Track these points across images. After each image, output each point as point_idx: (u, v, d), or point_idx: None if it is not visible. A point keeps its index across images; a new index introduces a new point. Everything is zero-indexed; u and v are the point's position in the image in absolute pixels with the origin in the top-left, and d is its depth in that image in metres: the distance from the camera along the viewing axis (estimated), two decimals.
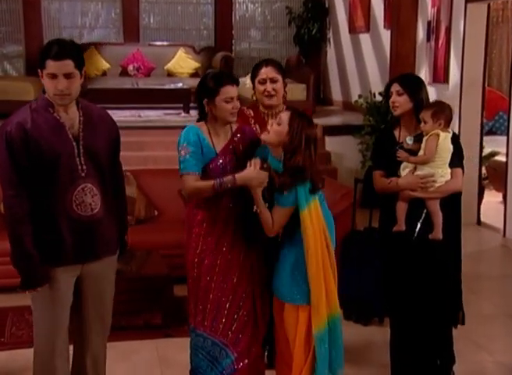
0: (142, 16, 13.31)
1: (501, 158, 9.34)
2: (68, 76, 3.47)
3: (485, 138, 9.19)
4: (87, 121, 3.63)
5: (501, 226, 8.17)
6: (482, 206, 8.99)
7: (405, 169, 4.33)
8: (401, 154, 4.26)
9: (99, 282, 3.83)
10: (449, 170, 4.28)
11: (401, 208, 4.33)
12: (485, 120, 9.66)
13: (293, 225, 3.95)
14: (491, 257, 7.81)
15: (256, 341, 4.18)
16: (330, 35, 12.97)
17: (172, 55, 12.25)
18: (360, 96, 9.89)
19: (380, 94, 9.59)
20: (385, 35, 10.42)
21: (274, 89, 4.43)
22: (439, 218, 4.28)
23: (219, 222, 4.04)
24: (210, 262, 4.04)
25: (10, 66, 13.25)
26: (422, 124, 4.24)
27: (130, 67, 11.90)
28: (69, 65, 3.46)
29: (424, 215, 4.31)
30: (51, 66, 3.44)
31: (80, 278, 3.77)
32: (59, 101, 3.53)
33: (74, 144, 3.57)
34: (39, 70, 3.51)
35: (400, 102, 4.30)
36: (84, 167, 3.59)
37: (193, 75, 11.96)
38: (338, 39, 12.56)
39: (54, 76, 3.46)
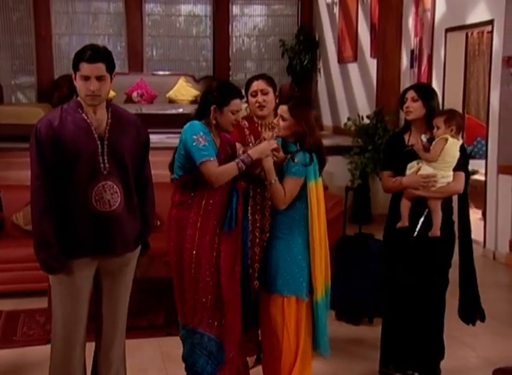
0: (145, 49, 13.38)
1: (480, 177, 9.36)
2: (100, 78, 3.50)
3: None
4: (114, 123, 3.64)
5: (481, 239, 8.15)
6: None
7: (411, 169, 4.37)
8: (418, 145, 4.29)
9: (115, 280, 3.79)
10: (451, 173, 4.30)
11: (405, 206, 4.38)
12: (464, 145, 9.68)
13: (285, 218, 3.96)
14: None
15: (240, 329, 4.13)
16: (320, 65, 13.04)
17: (174, 83, 12.29)
18: (349, 119, 9.91)
19: (368, 117, 9.62)
20: (372, 63, 10.48)
21: (264, 100, 4.45)
22: (438, 217, 4.30)
23: (211, 220, 3.93)
24: (207, 262, 3.94)
25: (23, 96, 13.28)
26: (435, 130, 4.29)
27: (134, 94, 11.94)
28: (101, 68, 3.49)
29: (425, 213, 4.33)
30: (85, 68, 3.48)
31: (97, 275, 3.75)
32: (90, 101, 3.55)
33: (98, 142, 3.57)
34: (73, 73, 3.55)
35: (414, 108, 4.36)
36: (107, 165, 3.58)
37: (193, 102, 12.00)
38: (327, 69, 12.62)
39: (87, 78, 3.49)
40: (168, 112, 11.14)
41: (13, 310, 5.92)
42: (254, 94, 4.47)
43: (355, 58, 11.28)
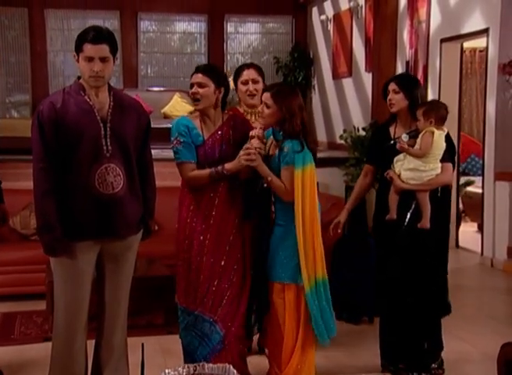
0: (140, 66, 13.42)
1: (476, 189, 9.40)
2: (103, 59, 3.51)
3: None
4: (116, 106, 3.65)
5: (478, 249, 8.18)
6: (460, 235, 9.00)
7: (397, 163, 4.35)
8: (402, 144, 4.28)
9: (118, 264, 3.79)
10: (439, 165, 4.31)
11: (393, 199, 4.38)
12: None
13: (283, 206, 3.95)
14: (471, 272, 7.78)
15: (240, 316, 4.14)
16: (315, 82, 13.09)
17: (169, 99, 12.27)
18: (344, 131, 9.92)
19: (363, 129, 9.64)
20: (367, 78, 10.52)
21: (255, 89, 4.52)
22: (427, 209, 4.30)
23: (203, 205, 4.04)
24: (199, 244, 4.03)
25: (17, 114, 13.27)
26: (418, 122, 4.29)
27: None
28: (105, 49, 3.51)
29: (413, 206, 4.33)
30: (89, 49, 3.49)
31: (99, 258, 3.74)
32: (93, 82, 3.55)
33: (101, 125, 3.57)
34: (75, 54, 3.55)
35: (397, 100, 4.37)
36: (110, 148, 3.59)
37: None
38: (322, 85, 12.68)
39: (90, 59, 3.50)
40: (164, 126, 11.14)
41: (10, 312, 5.88)
42: (245, 83, 4.54)
43: (350, 74, 11.33)
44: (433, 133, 4.23)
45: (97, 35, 3.50)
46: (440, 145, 4.28)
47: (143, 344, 3.62)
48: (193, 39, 13.89)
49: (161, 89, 13.03)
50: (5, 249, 6.37)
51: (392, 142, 4.41)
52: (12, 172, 8.08)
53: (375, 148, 4.60)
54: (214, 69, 4.09)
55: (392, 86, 4.40)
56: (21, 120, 11.09)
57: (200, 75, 3.99)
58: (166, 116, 12.15)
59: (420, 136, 4.27)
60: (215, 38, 13.61)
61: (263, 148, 3.91)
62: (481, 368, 4.81)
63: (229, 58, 13.81)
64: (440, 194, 4.41)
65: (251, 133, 3.96)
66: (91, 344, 3.91)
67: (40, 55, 12.91)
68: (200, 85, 3.96)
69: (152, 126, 11.61)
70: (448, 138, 4.37)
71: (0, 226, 4.68)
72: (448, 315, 4.61)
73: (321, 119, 12.66)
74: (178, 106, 12.21)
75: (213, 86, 3.96)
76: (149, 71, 13.66)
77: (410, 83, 4.48)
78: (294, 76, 13.07)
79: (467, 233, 9.35)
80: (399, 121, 4.45)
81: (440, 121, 4.30)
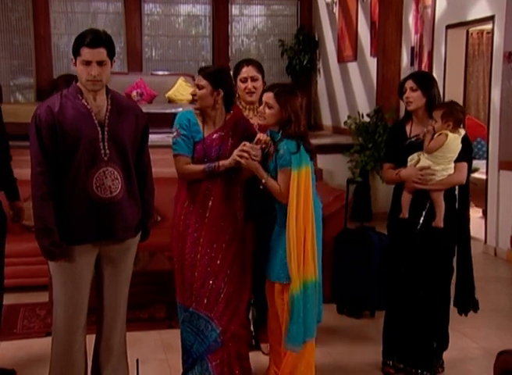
0: (145, 49, 13.34)
1: (481, 175, 9.36)
2: (100, 63, 3.49)
3: None
4: (114, 109, 3.64)
5: (482, 235, 8.16)
6: None
7: (411, 161, 4.36)
8: (431, 125, 4.26)
9: (116, 267, 3.79)
10: (452, 165, 4.29)
11: (406, 199, 4.39)
12: None
13: (281, 207, 3.95)
14: (474, 262, 7.59)
15: (239, 314, 4.17)
16: (320, 65, 13.01)
17: (173, 83, 12.23)
18: (349, 117, 9.89)
19: (368, 115, 9.62)
20: (372, 62, 10.47)
21: (254, 87, 4.54)
22: (441, 208, 4.29)
23: (198, 202, 4.05)
24: (192, 241, 4.05)
25: (22, 97, 13.25)
26: (433, 122, 4.26)
27: (134, 93, 11.87)
28: (102, 53, 3.49)
29: (428, 205, 4.33)
30: (86, 53, 3.47)
31: (98, 260, 3.75)
32: (91, 86, 3.54)
33: (99, 128, 3.57)
34: (72, 58, 3.54)
35: (414, 98, 4.34)
36: (107, 151, 3.58)
37: (193, 102, 11.95)
38: (327, 68, 12.60)
39: (88, 63, 3.48)
40: (168, 111, 11.12)
41: (13, 304, 5.89)
42: (244, 80, 4.55)
43: (355, 58, 11.26)
44: (447, 136, 4.22)
45: (94, 39, 3.48)
46: (453, 148, 4.25)
47: (137, 360, 3.65)
48: (198, 21, 13.79)
49: (166, 73, 12.99)
50: (7, 240, 6.35)
51: (408, 142, 4.40)
52: (16, 159, 8.07)
53: (392, 148, 4.57)
54: (213, 71, 4.05)
55: (409, 83, 4.36)
56: (24, 106, 11.06)
57: (199, 77, 4.01)
58: (171, 101, 12.13)
59: (435, 136, 4.25)
60: (220, 21, 13.50)
61: (258, 157, 3.90)
62: (482, 365, 4.81)
63: (233, 40, 13.72)
64: (458, 192, 4.40)
65: (258, 136, 3.95)
66: (91, 343, 3.93)
67: (44, 38, 12.83)
68: (198, 87, 3.99)
69: (156, 111, 11.58)
70: (465, 139, 4.34)
71: (15, 223, 4.69)
72: (475, 312, 4.69)
73: (326, 103, 12.60)
74: (182, 90, 12.16)
75: (210, 88, 3.96)
76: (153, 54, 13.57)
77: (428, 81, 4.44)
78: (299, 59, 12.98)
79: (471, 219, 9.29)
80: (415, 119, 4.43)
81: (457, 124, 4.27)
